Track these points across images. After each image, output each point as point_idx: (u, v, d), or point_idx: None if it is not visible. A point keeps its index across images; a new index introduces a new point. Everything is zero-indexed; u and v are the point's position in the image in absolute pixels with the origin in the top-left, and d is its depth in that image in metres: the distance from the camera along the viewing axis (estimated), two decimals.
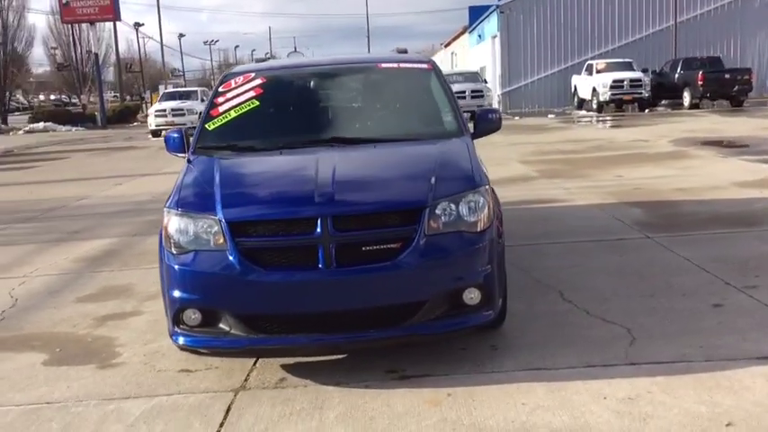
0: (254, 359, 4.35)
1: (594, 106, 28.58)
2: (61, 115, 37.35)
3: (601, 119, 25.84)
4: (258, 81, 5.36)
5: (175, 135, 5.15)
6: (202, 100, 29.42)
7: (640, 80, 27.70)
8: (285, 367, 4.25)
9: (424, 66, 5.53)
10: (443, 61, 59.17)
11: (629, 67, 28.74)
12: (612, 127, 21.97)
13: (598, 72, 28.75)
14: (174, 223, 4.02)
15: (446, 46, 60.08)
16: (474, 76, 30.55)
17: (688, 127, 19.40)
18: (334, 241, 3.78)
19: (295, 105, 5.36)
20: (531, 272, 5.96)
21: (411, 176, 4.25)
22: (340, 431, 3.49)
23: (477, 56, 42.74)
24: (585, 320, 4.76)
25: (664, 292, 5.24)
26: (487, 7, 37.68)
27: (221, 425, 3.62)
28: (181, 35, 75.08)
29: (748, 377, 3.77)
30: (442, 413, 3.58)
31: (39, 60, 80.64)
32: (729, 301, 4.96)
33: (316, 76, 5.61)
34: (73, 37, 41.30)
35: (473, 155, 4.57)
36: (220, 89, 5.35)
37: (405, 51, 6.25)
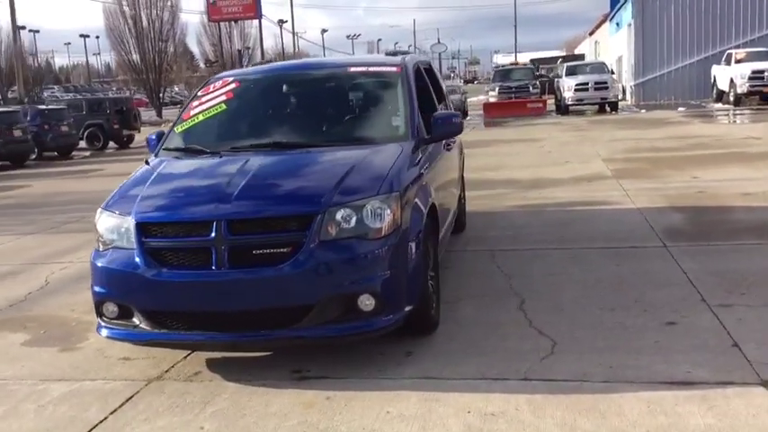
0: (189, 351, 4.63)
1: (732, 99, 26.69)
2: None
3: (736, 113, 24.13)
4: (232, 86, 5.63)
5: (153, 137, 5.53)
6: None
7: None
8: (207, 361, 4.50)
9: (393, 69, 5.56)
10: (588, 51, 57.22)
11: None
12: (738, 123, 20.52)
13: (737, 62, 26.77)
14: (102, 222, 4.38)
15: (590, 35, 58.01)
16: (600, 67, 29.40)
17: None
18: (228, 244, 3.98)
19: (255, 110, 5.58)
20: (511, 278, 5.87)
21: (317, 183, 4.35)
22: (206, 425, 3.69)
23: (615, 45, 41.02)
24: (521, 332, 4.66)
25: (626, 307, 5.01)
26: None
27: (113, 411, 3.93)
28: (324, 30, 77.36)
29: (630, 403, 3.60)
30: (306, 416, 3.70)
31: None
32: (687, 320, 4.68)
33: (286, 80, 5.81)
34: (220, 35, 43.80)
35: (400, 161, 4.59)
36: (199, 93, 5.67)
37: (395, 54, 6.30)
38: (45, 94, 55.68)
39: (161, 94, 41.56)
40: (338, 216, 4.05)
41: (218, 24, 41.06)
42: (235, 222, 4.03)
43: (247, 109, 5.61)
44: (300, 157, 4.77)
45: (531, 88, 30.04)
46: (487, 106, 28.80)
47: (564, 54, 65.37)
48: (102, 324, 4.33)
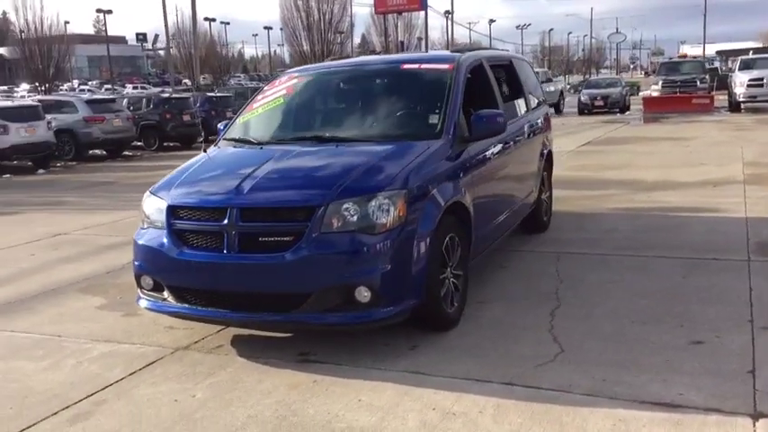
0: (222, 326, 5.00)
1: None
2: None
3: None
4: (294, 81, 5.93)
5: (221, 127, 5.96)
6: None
7: None
8: (233, 337, 4.84)
9: (445, 67, 5.59)
10: None
11: None
12: None
13: None
14: (146, 203, 4.82)
15: None
16: None
17: None
18: (238, 230, 4.28)
19: (306, 105, 5.83)
20: (562, 282, 5.76)
21: (330, 176, 4.51)
22: (199, 394, 4.02)
23: None
24: (537, 337, 4.60)
25: (661, 321, 4.79)
26: None
27: (132, 373, 4.36)
28: (491, 21, 76.57)
29: (597, 419, 3.50)
30: (286, 396, 3.92)
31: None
32: (717, 341, 4.40)
33: (341, 77, 6.00)
34: (385, 26, 44.72)
35: (421, 158, 4.67)
36: (266, 87, 6.02)
37: (460, 51, 6.30)
38: (231, 81, 59.53)
39: None
40: (343, 209, 4.21)
41: (385, 16, 41.98)
42: (246, 210, 4.31)
43: (299, 103, 5.87)
44: (329, 150, 4.97)
45: (698, 83, 28.18)
46: (648, 101, 27.41)
47: (760, 46, 60.34)
48: (141, 296, 4.78)
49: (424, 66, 5.78)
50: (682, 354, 4.23)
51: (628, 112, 28.27)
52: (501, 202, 6.01)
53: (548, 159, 7.68)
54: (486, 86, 6.06)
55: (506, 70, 7.04)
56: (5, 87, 67.60)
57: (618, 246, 6.88)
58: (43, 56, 46.29)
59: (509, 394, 3.80)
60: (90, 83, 70.91)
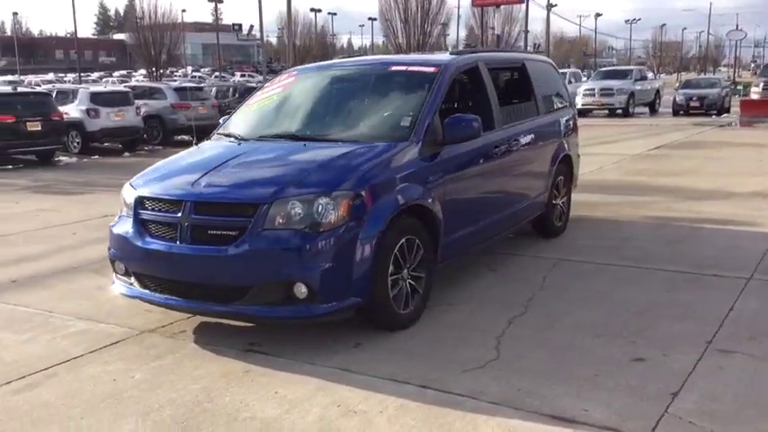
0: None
1: None
2: None
3: None
4: (290, 79, 6.12)
5: (220, 121, 6.24)
6: (570, 82, 29.46)
7: None
8: (200, 323, 5.09)
9: (430, 70, 5.63)
10: None
11: None
12: None
13: None
14: (123, 193, 5.14)
15: None
16: None
17: None
18: (190, 222, 4.52)
19: (294, 103, 5.98)
20: (542, 290, 5.74)
21: (283, 174, 4.69)
22: (138, 375, 4.28)
23: None
24: (482, 342, 4.62)
25: (618, 336, 4.71)
26: None
27: (92, 351, 4.68)
28: (597, 14, 74.29)
29: (488, 427, 3.53)
30: (212, 383, 4.12)
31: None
32: (660, 360, 4.30)
33: (332, 77, 6.12)
34: (482, 19, 44.27)
35: (380, 160, 4.78)
36: (267, 84, 6.24)
37: (459, 53, 6.30)
38: None
39: None
40: (287, 207, 4.38)
41: (481, 9, 41.58)
42: (198, 204, 4.55)
43: (288, 102, 6.05)
44: (296, 149, 5.13)
45: None
46: (745, 104, 26.00)
47: None
48: (115, 280, 5.11)
49: (411, 68, 5.83)
50: (615, 370, 4.16)
51: (725, 115, 26.94)
52: (489, 205, 6.00)
53: (564, 163, 7.55)
54: (480, 89, 6.05)
55: (517, 72, 6.99)
56: (125, 72, 71.56)
57: (624, 256, 6.72)
58: (156, 42, 48.68)
59: (418, 397, 3.87)
60: (202, 70, 73.90)
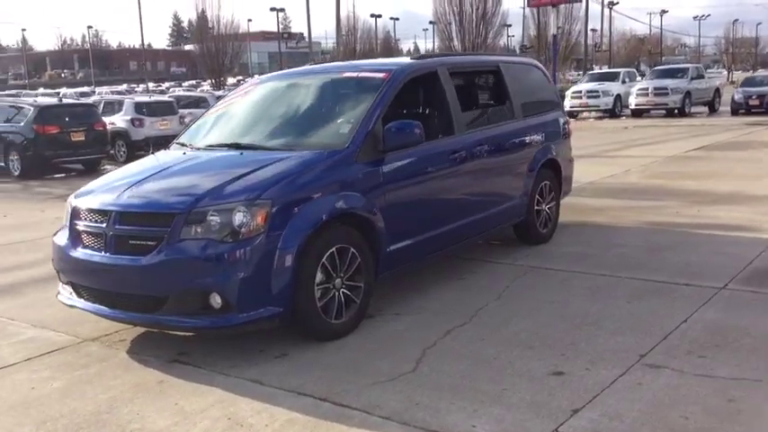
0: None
1: None
2: None
3: None
4: (251, 87, 6.15)
5: (182, 130, 6.33)
6: (623, 82, 28.75)
7: None
8: (140, 333, 5.14)
9: (379, 76, 5.56)
10: None
11: None
12: None
13: None
14: (67, 204, 5.25)
15: None
16: None
17: None
18: (115, 232, 4.58)
19: (246, 111, 6.01)
20: (497, 299, 5.59)
21: (205, 183, 4.68)
22: (57, 384, 4.35)
23: None
24: (408, 354, 4.52)
25: (550, 348, 4.55)
26: None
27: (28, 359, 4.78)
28: (663, 11, 72.16)
29: None
30: (119, 393, 4.15)
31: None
32: (581, 374, 4.13)
33: (287, 85, 6.12)
34: (538, 20, 43.60)
35: (305, 169, 4.75)
36: (230, 92, 6.29)
37: (421, 57, 6.21)
38: None
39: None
40: (204, 217, 4.40)
41: (538, 9, 40.99)
42: (122, 214, 4.61)
43: (242, 110, 6.08)
44: (229, 158, 5.16)
45: None
46: None
47: None
48: (60, 290, 5.21)
49: (361, 74, 5.77)
50: (526, 384, 4.02)
51: None
52: (448, 212, 5.86)
53: (550, 168, 7.34)
54: (439, 95, 5.94)
55: (491, 76, 6.84)
56: (194, 82, 73.52)
57: (601, 264, 6.48)
58: (219, 52, 49.90)
59: (312, 410, 3.81)
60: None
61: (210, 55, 49.76)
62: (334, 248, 4.72)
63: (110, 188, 5.02)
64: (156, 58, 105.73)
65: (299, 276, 4.51)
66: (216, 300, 4.34)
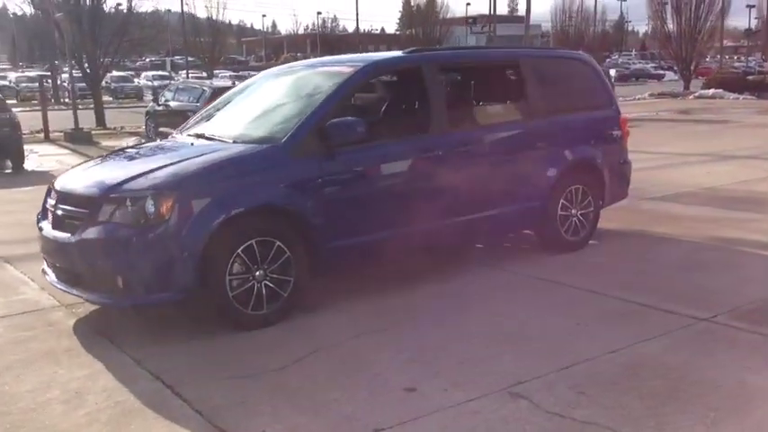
0: None
1: None
2: (733, 83, 36.04)
3: None
4: (251, 79, 6.39)
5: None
6: None
7: None
8: (104, 312, 5.50)
9: (347, 70, 5.49)
10: None
11: None
12: None
13: None
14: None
15: None
16: None
17: None
18: (58, 211, 5.04)
19: (232, 104, 6.21)
20: (448, 308, 5.32)
21: (133, 170, 4.98)
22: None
23: None
24: (292, 353, 4.50)
25: (431, 363, 4.32)
26: None
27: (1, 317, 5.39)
28: None
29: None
30: (31, 361, 4.49)
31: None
32: (430, 395, 3.90)
33: (277, 78, 6.21)
34: None
35: (224, 162, 4.91)
36: (239, 84, 6.56)
37: (413, 52, 6.02)
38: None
39: (691, 66, 39.69)
40: (116, 203, 4.72)
41: None
42: (62, 194, 5.09)
43: (230, 102, 6.28)
44: (180, 147, 5.44)
45: None
46: None
47: None
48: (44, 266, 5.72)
49: (332, 68, 5.73)
50: (366, 397, 3.88)
51: None
52: (416, 213, 5.60)
53: (584, 171, 6.76)
54: (420, 91, 5.75)
55: (508, 72, 6.48)
56: None
57: (603, 279, 5.90)
58: (425, 35, 51.78)
59: (148, 395, 3.96)
60: None
61: (418, 40, 51.27)
62: (252, 241, 4.81)
63: (79, 171, 5.49)
64: (379, 41, 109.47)
65: (207, 265, 4.66)
66: (118, 281, 4.63)
